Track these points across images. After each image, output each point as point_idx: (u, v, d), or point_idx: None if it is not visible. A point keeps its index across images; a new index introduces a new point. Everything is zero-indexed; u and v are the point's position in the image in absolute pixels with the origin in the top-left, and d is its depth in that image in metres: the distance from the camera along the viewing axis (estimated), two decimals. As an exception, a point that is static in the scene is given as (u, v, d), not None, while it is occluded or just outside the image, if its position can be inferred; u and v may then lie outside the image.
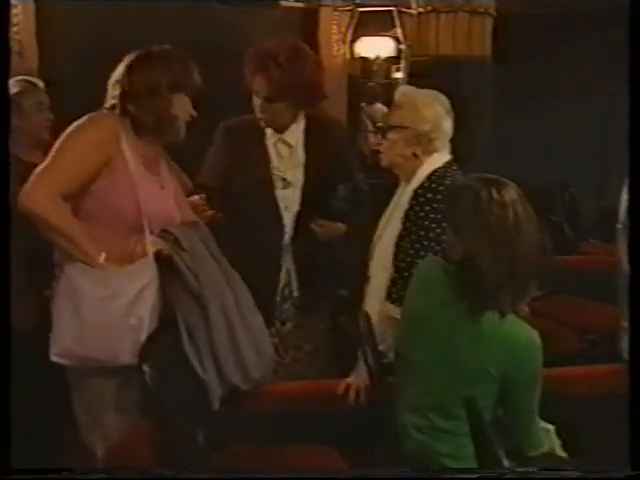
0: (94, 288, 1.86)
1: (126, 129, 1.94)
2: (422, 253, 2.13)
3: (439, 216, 2.11)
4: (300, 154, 2.46)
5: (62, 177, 1.84)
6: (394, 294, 2.16)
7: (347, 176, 2.48)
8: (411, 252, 2.15)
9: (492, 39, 4.48)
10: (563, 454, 1.83)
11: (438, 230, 2.12)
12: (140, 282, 1.87)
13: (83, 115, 1.93)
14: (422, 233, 2.14)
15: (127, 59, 1.98)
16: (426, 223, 2.15)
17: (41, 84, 2.59)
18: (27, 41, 3.13)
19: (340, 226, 2.47)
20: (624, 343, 2.18)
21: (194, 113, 2.03)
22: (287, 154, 2.45)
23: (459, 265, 1.76)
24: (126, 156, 1.91)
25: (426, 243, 2.14)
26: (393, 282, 2.18)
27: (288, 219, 2.46)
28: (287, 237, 2.47)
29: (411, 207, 2.19)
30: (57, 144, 1.88)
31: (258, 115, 2.38)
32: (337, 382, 2.23)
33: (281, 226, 2.45)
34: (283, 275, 2.49)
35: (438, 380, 1.77)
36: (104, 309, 1.85)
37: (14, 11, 3.03)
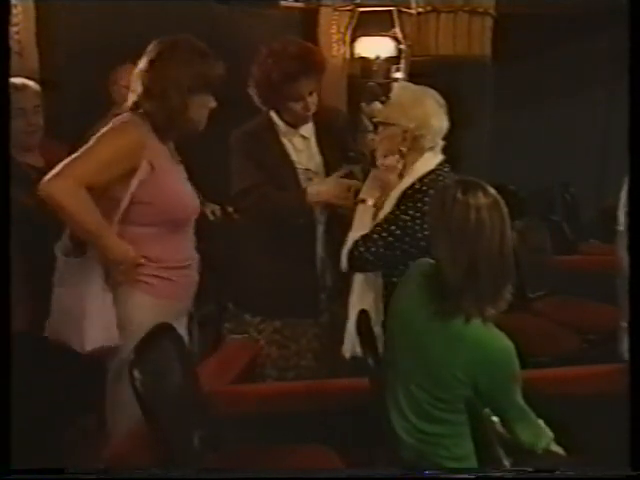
0: (57, 273, 1.98)
1: (150, 131, 1.97)
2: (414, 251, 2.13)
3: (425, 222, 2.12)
4: (314, 145, 2.51)
5: (87, 172, 1.88)
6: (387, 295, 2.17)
7: (356, 158, 2.53)
8: (398, 253, 2.17)
9: (492, 39, 4.48)
10: (558, 449, 1.82)
11: (426, 233, 2.11)
12: (82, 276, 1.95)
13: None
14: (409, 232, 2.16)
15: (150, 52, 1.98)
16: (417, 227, 2.16)
17: (34, 86, 2.49)
18: (27, 41, 3.12)
19: None
20: (624, 343, 2.18)
21: (214, 105, 2.05)
22: (304, 147, 2.50)
23: (433, 267, 1.77)
24: (155, 159, 1.95)
25: (415, 244, 2.15)
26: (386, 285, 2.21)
27: (318, 210, 2.49)
28: (320, 227, 2.51)
29: (398, 207, 2.20)
30: (87, 144, 1.93)
31: (308, 113, 2.42)
32: (337, 382, 2.24)
33: (312, 217, 2.48)
34: (319, 266, 2.52)
35: (415, 382, 1.77)
36: (59, 294, 1.97)
37: (14, 11, 3.02)
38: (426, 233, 2.11)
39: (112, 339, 1.96)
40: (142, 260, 1.98)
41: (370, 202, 2.27)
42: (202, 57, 1.99)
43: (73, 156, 1.90)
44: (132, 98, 2.00)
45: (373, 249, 2.18)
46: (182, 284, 2.10)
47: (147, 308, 2.01)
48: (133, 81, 2.00)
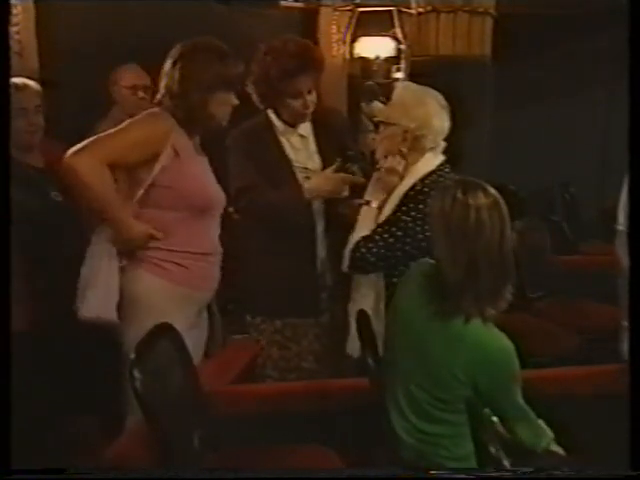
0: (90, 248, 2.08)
1: (176, 125, 2.07)
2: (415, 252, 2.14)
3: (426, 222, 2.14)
4: (312, 143, 2.52)
5: (111, 151, 1.98)
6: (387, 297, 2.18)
7: (354, 157, 2.51)
8: (399, 254, 2.18)
9: (492, 39, 4.48)
10: (558, 449, 1.82)
11: (427, 234, 2.13)
12: (94, 246, 2.06)
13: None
14: (410, 233, 2.17)
15: (173, 53, 2.08)
16: (418, 228, 2.16)
17: (35, 86, 2.46)
18: (27, 41, 3.12)
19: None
20: (624, 343, 2.18)
21: (236, 103, 2.16)
22: (302, 146, 2.51)
23: (433, 267, 1.77)
24: (179, 148, 2.05)
25: (416, 245, 2.15)
26: (387, 285, 2.22)
27: (317, 208, 2.49)
28: (320, 226, 2.50)
29: (399, 208, 2.20)
30: (116, 128, 2.04)
31: (307, 111, 2.42)
32: (337, 382, 2.23)
33: (312, 217, 2.47)
34: (319, 266, 2.51)
35: (415, 382, 1.77)
36: (85, 264, 2.06)
37: (14, 11, 3.02)
38: (427, 234, 2.11)
39: (108, 313, 2.03)
40: (159, 237, 2.06)
41: (374, 204, 2.28)
42: (221, 57, 2.08)
43: (101, 134, 2.01)
44: (158, 96, 2.12)
45: (374, 250, 2.18)
46: (197, 273, 2.14)
47: (157, 291, 2.07)
48: (160, 80, 2.11)
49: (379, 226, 2.22)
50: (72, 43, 3.26)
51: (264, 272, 2.48)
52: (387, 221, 2.21)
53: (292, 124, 2.47)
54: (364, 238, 2.21)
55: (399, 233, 2.18)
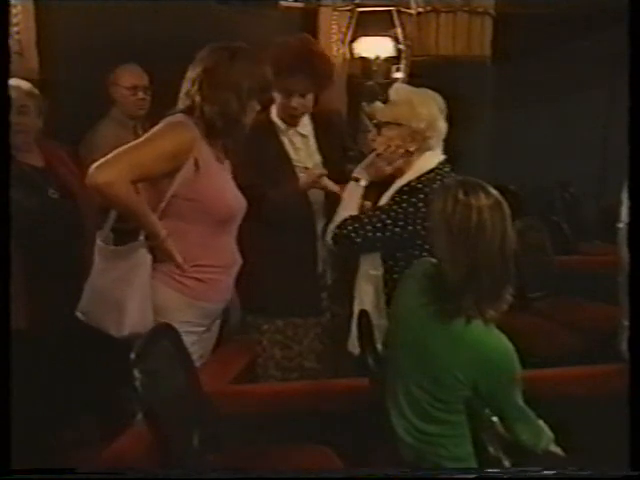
0: (99, 260, 2.01)
1: (201, 133, 2.01)
2: (410, 251, 2.16)
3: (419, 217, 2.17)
4: (312, 143, 2.53)
5: (135, 164, 1.90)
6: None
7: (355, 157, 2.54)
8: (386, 241, 2.21)
9: (492, 39, 4.48)
10: (557, 449, 1.82)
11: (419, 227, 2.17)
12: (128, 263, 1.98)
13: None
14: (399, 224, 2.20)
15: (206, 59, 2.00)
16: (410, 220, 2.18)
17: (25, 86, 2.42)
18: (27, 41, 3.12)
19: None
20: (624, 343, 2.18)
21: (259, 108, 2.11)
22: (302, 145, 2.51)
23: (435, 267, 1.78)
24: (201, 160, 1.99)
25: (407, 237, 2.18)
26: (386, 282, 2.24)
27: (318, 207, 2.50)
28: (320, 226, 2.51)
29: (392, 199, 2.22)
30: (138, 140, 1.98)
31: (295, 112, 2.41)
32: (337, 382, 2.23)
33: (312, 217, 2.48)
34: (320, 265, 2.52)
35: (415, 382, 1.77)
36: (99, 279, 2.00)
37: (14, 11, 3.02)
38: (419, 228, 2.16)
39: (147, 326, 1.98)
40: (177, 260, 2.01)
41: (362, 182, 2.29)
42: (257, 64, 2.05)
43: (124, 147, 1.93)
44: (186, 102, 2.02)
45: (361, 231, 2.22)
46: (216, 287, 2.11)
47: (174, 304, 2.04)
48: (186, 85, 2.02)
49: (370, 211, 2.25)
50: (72, 43, 3.25)
51: (265, 272, 2.48)
52: (378, 208, 2.25)
53: (292, 124, 2.47)
54: (352, 217, 2.24)
55: (388, 221, 2.21)
